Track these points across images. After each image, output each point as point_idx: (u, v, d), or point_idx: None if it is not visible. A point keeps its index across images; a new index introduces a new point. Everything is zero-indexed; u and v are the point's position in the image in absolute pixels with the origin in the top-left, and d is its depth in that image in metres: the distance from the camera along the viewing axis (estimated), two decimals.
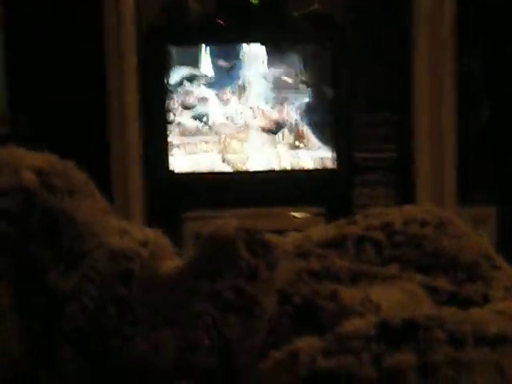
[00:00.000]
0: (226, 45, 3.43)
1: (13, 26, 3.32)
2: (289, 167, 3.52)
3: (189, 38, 3.45)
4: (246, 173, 3.54)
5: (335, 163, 3.53)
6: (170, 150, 3.47)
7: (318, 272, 1.14)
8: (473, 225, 1.30)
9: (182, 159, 3.51)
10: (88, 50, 3.34)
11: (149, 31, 3.41)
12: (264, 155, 3.48)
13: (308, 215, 3.48)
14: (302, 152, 3.52)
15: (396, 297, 1.10)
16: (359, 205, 3.52)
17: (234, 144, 3.48)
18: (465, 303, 1.12)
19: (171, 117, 3.44)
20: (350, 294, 1.08)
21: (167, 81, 3.45)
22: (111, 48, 3.31)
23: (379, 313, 1.04)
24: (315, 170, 3.55)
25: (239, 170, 3.48)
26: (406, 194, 3.54)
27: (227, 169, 3.50)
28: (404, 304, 1.09)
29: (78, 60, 3.37)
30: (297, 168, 3.52)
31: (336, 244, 1.20)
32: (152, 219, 3.37)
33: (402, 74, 3.59)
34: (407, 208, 1.28)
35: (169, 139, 3.45)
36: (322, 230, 1.24)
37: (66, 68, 3.38)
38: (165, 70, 3.45)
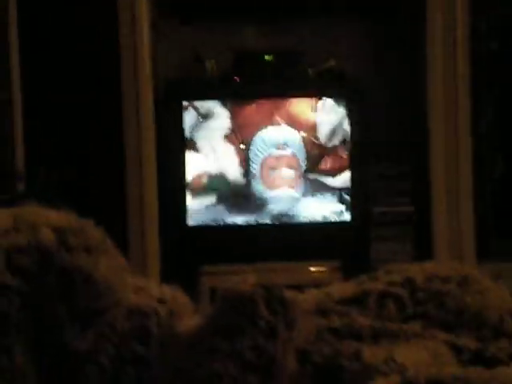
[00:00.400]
0: (241, 100, 3.46)
1: (29, 79, 3.34)
2: (305, 220, 3.50)
3: (205, 94, 3.49)
4: (263, 226, 3.51)
5: (351, 217, 3.48)
6: (186, 203, 3.48)
7: (340, 330, 1.12)
8: (493, 279, 1.29)
9: (199, 212, 3.51)
10: (106, 105, 3.38)
11: (166, 87, 3.48)
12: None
13: (324, 269, 3.45)
14: (318, 205, 3.49)
15: (420, 356, 1.08)
16: (376, 259, 3.46)
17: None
18: (490, 362, 1.10)
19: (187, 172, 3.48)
20: (373, 353, 1.06)
21: (184, 136, 3.47)
22: (128, 103, 3.34)
23: (404, 373, 1.02)
24: (331, 224, 3.50)
25: (255, 223, 3.49)
26: (423, 248, 3.48)
27: (242, 222, 3.50)
28: (428, 363, 1.07)
29: (95, 114, 3.39)
30: (313, 221, 3.49)
31: (357, 301, 1.18)
32: (169, 274, 3.32)
33: (417, 126, 3.58)
34: (429, 264, 1.27)
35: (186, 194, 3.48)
36: (342, 287, 1.23)
37: (84, 122, 3.40)
38: (181, 126, 3.46)
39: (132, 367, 1.04)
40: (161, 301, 1.13)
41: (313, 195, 3.50)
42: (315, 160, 3.46)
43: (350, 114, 3.44)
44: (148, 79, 3.35)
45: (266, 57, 3.40)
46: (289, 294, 1.10)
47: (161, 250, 3.45)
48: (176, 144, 3.42)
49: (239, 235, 3.52)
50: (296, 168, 3.48)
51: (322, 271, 3.46)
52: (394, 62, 3.58)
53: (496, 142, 3.47)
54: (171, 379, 1.03)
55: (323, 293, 1.22)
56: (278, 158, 3.46)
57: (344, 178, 3.48)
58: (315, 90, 3.45)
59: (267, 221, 3.49)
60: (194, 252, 3.48)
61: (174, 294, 1.16)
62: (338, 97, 3.45)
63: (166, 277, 3.22)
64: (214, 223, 3.48)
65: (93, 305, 1.08)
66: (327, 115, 3.44)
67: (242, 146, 3.43)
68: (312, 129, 3.44)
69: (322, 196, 3.48)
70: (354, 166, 3.47)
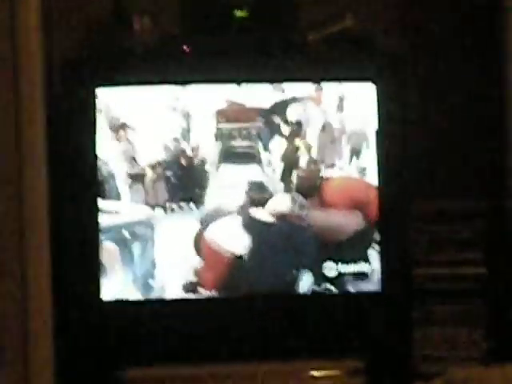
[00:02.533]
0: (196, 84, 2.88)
1: None
2: (308, 291, 2.97)
3: (131, 74, 2.88)
4: (231, 301, 2.96)
5: (382, 284, 2.96)
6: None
7: None
8: None
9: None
10: None
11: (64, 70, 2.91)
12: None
13: (335, 374, 2.91)
14: (328, 265, 2.95)
15: None
16: (422, 356, 2.98)
17: None
18: None
19: None
20: None
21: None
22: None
23: None
24: (347, 297, 2.98)
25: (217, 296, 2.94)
26: (503, 337, 3.02)
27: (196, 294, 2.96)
28: None
29: None
30: (320, 291, 2.97)
31: None
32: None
33: (491, 132, 3.16)
34: None
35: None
36: None
37: None
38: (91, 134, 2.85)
39: None
40: None
41: None
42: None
43: (380, 112, 2.90)
44: (35, 52, 2.76)
45: (238, 12, 2.89)
46: None
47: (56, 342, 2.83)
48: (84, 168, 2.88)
49: (189, 314, 2.94)
50: None
51: (331, 377, 2.92)
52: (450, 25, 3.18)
53: None
54: None
55: None
56: None
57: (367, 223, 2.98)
58: (317, 68, 2.93)
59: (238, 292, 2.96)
60: (111, 345, 2.92)
61: None
62: (357, 80, 2.91)
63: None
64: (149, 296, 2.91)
65: None
66: (335, 114, 2.94)
67: None
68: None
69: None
70: (385, 200, 2.94)
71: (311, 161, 2.95)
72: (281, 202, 2.91)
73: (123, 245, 2.85)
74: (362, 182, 2.90)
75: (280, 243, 2.96)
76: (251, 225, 2.92)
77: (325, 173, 2.93)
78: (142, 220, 2.87)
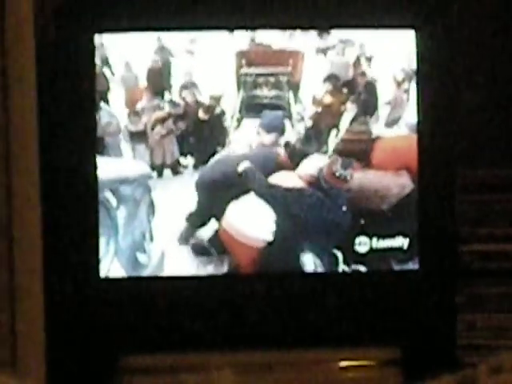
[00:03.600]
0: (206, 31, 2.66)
1: None
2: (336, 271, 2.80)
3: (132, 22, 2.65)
4: (248, 278, 2.77)
5: (421, 263, 2.74)
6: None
7: None
8: None
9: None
10: None
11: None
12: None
13: (368, 364, 2.73)
14: (356, 240, 2.73)
15: None
16: (468, 345, 2.77)
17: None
18: None
19: None
20: None
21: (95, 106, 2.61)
22: None
23: None
24: (381, 277, 2.78)
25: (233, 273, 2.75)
26: None
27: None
28: None
29: None
30: (347, 272, 2.77)
31: None
32: (63, 371, 2.67)
33: None
34: None
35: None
36: None
37: None
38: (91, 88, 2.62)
39: None
40: None
41: None
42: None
43: (421, 65, 2.70)
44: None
45: None
46: None
47: (48, 328, 2.65)
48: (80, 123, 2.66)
49: (202, 295, 2.75)
50: None
51: (363, 368, 2.75)
52: None
53: None
54: None
55: None
56: None
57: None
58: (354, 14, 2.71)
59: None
60: (109, 330, 2.74)
61: None
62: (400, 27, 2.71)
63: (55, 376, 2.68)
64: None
65: None
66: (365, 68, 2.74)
67: None
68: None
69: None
70: (424, 167, 2.75)
71: (359, 118, 2.72)
72: (314, 164, 2.66)
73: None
74: (413, 140, 2.69)
75: (310, 214, 2.72)
76: (274, 196, 2.71)
77: (374, 133, 2.71)
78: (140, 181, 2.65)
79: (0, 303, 2.62)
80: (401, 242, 2.76)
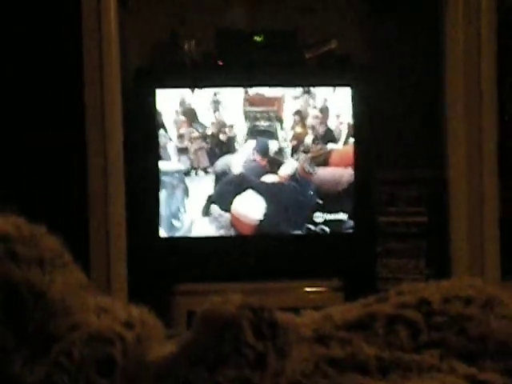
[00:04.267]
0: (226, 88, 3.47)
1: None
2: (300, 232, 3.52)
3: (183, 81, 3.50)
4: (249, 238, 3.53)
5: (355, 227, 3.49)
6: (160, 211, 3.48)
7: (341, 361, 1.11)
8: None
9: (175, 222, 3.52)
10: (66, 97, 3.40)
11: (136, 75, 3.48)
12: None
13: (323, 290, 3.45)
14: (315, 214, 3.51)
15: None
16: (383, 278, 3.51)
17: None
18: None
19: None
20: None
21: (157, 131, 3.48)
22: (92, 95, 3.34)
23: None
24: (331, 236, 3.52)
25: (240, 234, 3.51)
26: (439, 266, 3.50)
27: (226, 233, 3.50)
28: None
29: (55, 107, 3.40)
30: (309, 233, 3.51)
31: (362, 326, 1.17)
32: (137, 294, 3.28)
33: (434, 124, 3.61)
34: (448, 283, 1.27)
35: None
36: (346, 309, 1.22)
37: (42, 117, 3.42)
38: (154, 118, 3.47)
39: None
40: (127, 325, 1.11)
41: None
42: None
43: (355, 106, 3.45)
44: (115, 66, 3.36)
45: (256, 37, 3.44)
46: (281, 317, 1.09)
47: (128, 265, 3.44)
48: (148, 141, 3.45)
49: (221, 248, 3.53)
50: None
51: (319, 292, 3.47)
52: (406, 45, 3.62)
53: None
54: None
55: (323, 316, 1.21)
56: None
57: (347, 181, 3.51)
58: (313, 76, 3.50)
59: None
60: (167, 268, 3.49)
61: (143, 317, 1.14)
62: (340, 85, 3.47)
63: (134, 297, 3.17)
64: (190, 233, 3.50)
65: (46, 328, 1.05)
66: (327, 107, 3.50)
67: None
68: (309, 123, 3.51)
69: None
70: (358, 166, 3.47)
71: (316, 140, 3.38)
72: (291, 166, 3.37)
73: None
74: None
75: (289, 198, 3.42)
76: (265, 189, 3.42)
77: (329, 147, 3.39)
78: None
79: (98, 250, 3.34)
80: (343, 216, 3.47)
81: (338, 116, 3.49)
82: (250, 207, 3.50)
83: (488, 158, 3.41)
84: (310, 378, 1.08)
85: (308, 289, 3.46)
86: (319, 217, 3.53)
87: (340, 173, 3.50)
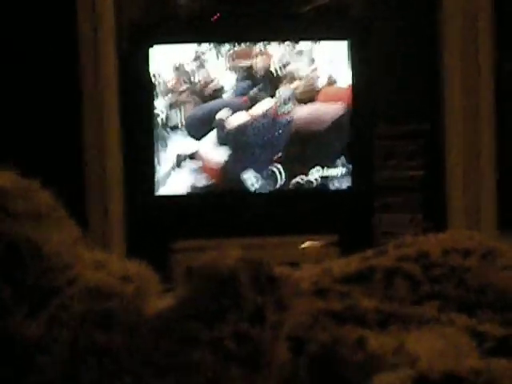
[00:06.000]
0: (224, 43, 3.46)
1: None
2: (297, 187, 3.55)
3: (179, 36, 3.49)
4: (244, 194, 3.54)
5: (352, 182, 3.53)
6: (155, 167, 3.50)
7: (340, 314, 1.10)
8: None
9: (170, 179, 3.52)
10: (60, 53, 3.42)
11: (131, 31, 3.49)
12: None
13: (320, 245, 3.49)
14: (311, 169, 3.54)
15: (435, 345, 1.07)
16: (380, 233, 3.57)
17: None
18: None
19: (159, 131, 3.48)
20: (379, 342, 1.04)
21: (153, 88, 3.47)
22: (86, 51, 3.37)
23: (416, 365, 1.01)
24: (328, 191, 3.56)
25: (236, 190, 3.52)
26: (436, 220, 3.56)
27: (221, 190, 3.53)
28: (445, 354, 1.06)
29: (49, 63, 3.43)
30: (306, 188, 3.52)
31: (361, 279, 1.18)
32: (134, 250, 3.36)
33: (430, 78, 3.65)
34: (446, 235, 1.28)
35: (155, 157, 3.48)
36: (344, 263, 1.22)
37: (36, 73, 3.44)
38: (149, 75, 3.45)
39: (92, 357, 1.02)
40: (125, 279, 1.11)
41: None
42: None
43: (353, 60, 3.47)
44: (109, 22, 3.38)
45: None
46: (279, 271, 1.09)
47: (125, 221, 3.48)
48: (143, 95, 3.44)
49: (218, 205, 3.55)
50: None
51: (316, 247, 3.49)
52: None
53: None
54: (139, 371, 1.00)
55: (321, 269, 1.21)
56: None
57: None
58: (311, 30, 3.49)
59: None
60: (164, 224, 3.51)
61: (141, 271, 1.14)
62: (338, 38, 3.47)
63: (131, 253, 3.27)
64: (187, 190, 3.50)
65: (43, 283, 1.05)
66: (324, 61, 3.49)
67: None
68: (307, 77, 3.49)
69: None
70: (355, 122, 3.49)
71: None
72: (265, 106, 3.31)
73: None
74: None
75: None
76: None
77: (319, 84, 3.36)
78: None
79: (95, 207, 3.39)
80: (339, 170, 3.48)
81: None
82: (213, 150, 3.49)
83: (484, 111, 3.43)
84: (309, 331, 1.07)
85: (305, 244, 3.51)
86: (315, 172, 3.54)
87: (325, 110, 3.47)
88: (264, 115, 3.42)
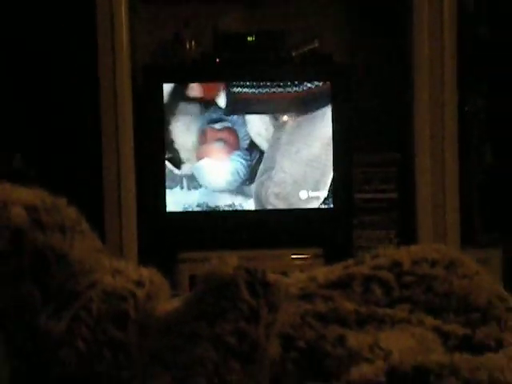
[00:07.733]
0: (222, 83, 3.45)
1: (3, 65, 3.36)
2: (286, 207, 3.49)
3: (184, 76, 3.47)
4: (243, 212, 3.52)
5: (334, 203, 3.48)
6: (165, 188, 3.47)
7: (324, 315, 1.10)
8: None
9: (178, 198, 3.50)
10: (82, 92, 3.39)
11: (144, 70, 3.46)
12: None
13: (307, 256, 3.42)
14: (300, 192, 3.53)
15: (406, 342, 1.08)
16: (359, 247, 3.47)
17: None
18: (478, 348, 1.09)
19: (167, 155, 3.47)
20: (357, 339, 1.05)
21: (163, 119, 3.45)
22: (106, 90, 3.33)
23: (389, 359, 1.02)
24: (313, 210, 3.49)
25: (235, 209, 3.48)
26: (407, 236, 3.50)
27: (222, 208, 3.51)
28: (414, 350, 1.06)
29: (72, 102, 3.41)
30: (296, 207, 3.49)
31: (342, 284, 1.18)
32: (146, 260, 3.24)
33: (403, 113, 3.62)
34: (416, 247, 1.27)
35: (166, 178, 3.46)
36: (328, 270, 1.22)
37: (61, 106, 3.43)
38: (161, 109, 3.44)
39: (109, 351, 1.02)
40: (138, 283, 1.11)
41: None
42: None
43: (334, 98, 3.42)
44: (126, 64, 3.34)
45: (248, 38, 3.39)
46: (272, 277, 1.09)
47: (138, 234, 3.44)
48: (156, 129, 3.43)
49: (219, 221, 3.52)
50: None
51: (304, 258, 3.44)
52: (382, 44, 3.60)
53: (484, 130, 3.50)
54: (149, 364, 1.00)
55: (308, 276, 1.21)
56: None
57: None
58: (299, 73, 3.48)
59: (249, 206, 3.51)
60: (172, 237, 3.48)
61: (152, 277, 1.15)
62: (322, 80, 3.44)
63: (143, 263, 3.25)
64: (192, 208, 3.48)
65: (67, 286, 1.06)
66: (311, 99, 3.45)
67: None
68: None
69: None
70: (337, 152, 3.47)
71: None
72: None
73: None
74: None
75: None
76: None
77: None
78: None
79: (112, 222, 3.35)
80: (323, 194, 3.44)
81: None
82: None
83: (449, 143, 3.43)
84: (298, 330, 1.08)
85: (294, 256, 3.47)
86: (303, 194, 3.52)
87: None
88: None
